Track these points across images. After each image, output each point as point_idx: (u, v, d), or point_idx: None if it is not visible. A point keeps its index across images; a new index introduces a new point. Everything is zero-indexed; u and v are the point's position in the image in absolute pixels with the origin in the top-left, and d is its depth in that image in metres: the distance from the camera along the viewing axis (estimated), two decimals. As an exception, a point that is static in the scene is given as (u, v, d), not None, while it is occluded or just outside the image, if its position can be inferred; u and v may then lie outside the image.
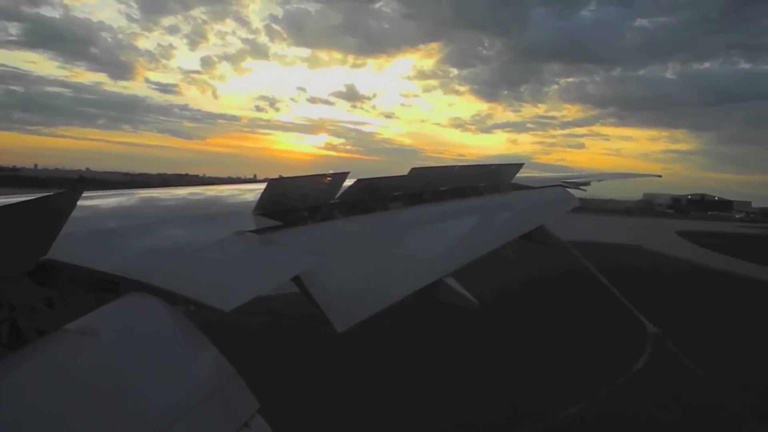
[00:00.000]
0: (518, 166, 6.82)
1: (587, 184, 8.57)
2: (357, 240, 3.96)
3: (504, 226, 5.24)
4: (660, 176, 11.06)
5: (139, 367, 1.99)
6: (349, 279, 3.32)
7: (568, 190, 7.76)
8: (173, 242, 3.08)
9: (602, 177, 9.63)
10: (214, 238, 3.06)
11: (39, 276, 2.30)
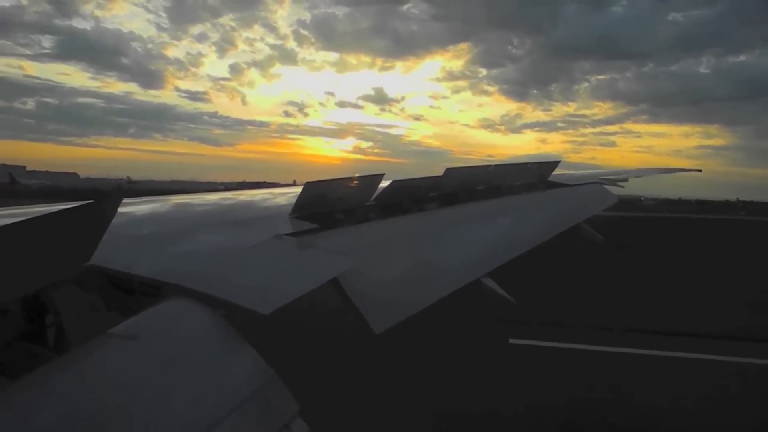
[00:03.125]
0: (555, 164, 6.69)
1: (625, 180, 8.35)
2: (394, 241, 3.92)
3: (541, 225, 5.14)
4: (700, 171, 10.67)
5: (179, 369, 2.00)
6: (387, 280, 3.28)
7: (606, 187, 7.57)
8: (212, 246, 3.10)
9: (640, 173, 9.37)
10: (252, 242, 3.07)
11: (83, 281, 2.34)
